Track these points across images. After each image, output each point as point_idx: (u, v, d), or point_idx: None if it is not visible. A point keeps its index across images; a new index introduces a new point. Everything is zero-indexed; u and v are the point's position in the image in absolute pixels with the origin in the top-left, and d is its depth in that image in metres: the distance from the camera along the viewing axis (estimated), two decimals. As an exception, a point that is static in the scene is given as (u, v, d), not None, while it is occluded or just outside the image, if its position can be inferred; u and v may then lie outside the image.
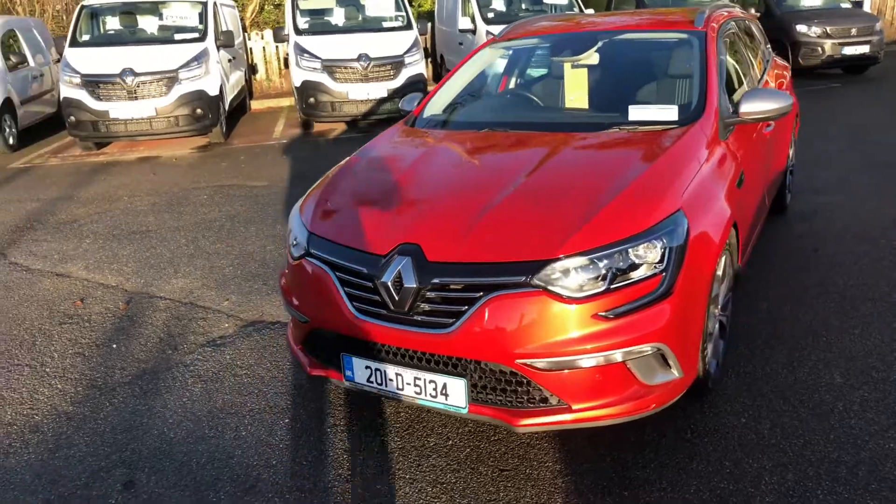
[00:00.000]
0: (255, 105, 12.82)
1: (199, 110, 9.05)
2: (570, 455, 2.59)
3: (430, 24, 13.99)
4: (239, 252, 5.12)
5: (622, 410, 2.42)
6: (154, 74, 8.86)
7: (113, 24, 10.37)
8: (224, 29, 10.38)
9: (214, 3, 10.28)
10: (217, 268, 4.83)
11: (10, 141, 9.74)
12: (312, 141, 9.52)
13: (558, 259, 2.34)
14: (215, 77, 9.34)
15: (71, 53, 9.19)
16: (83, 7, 9.92)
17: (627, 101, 3.39)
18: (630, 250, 2.39)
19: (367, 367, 2.60)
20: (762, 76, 4.23)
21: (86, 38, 9.64)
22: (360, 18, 10.90)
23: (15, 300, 4.46)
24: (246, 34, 13.88)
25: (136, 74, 8.80)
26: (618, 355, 2.35)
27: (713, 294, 2.70)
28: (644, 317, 2.37)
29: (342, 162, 3.40)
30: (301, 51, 9.81)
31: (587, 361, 2.34)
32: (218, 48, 9.75)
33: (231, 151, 9.07)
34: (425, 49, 12.95)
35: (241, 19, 14.21)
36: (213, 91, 9.22)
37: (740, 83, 3.87)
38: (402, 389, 2.54)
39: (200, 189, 7.13)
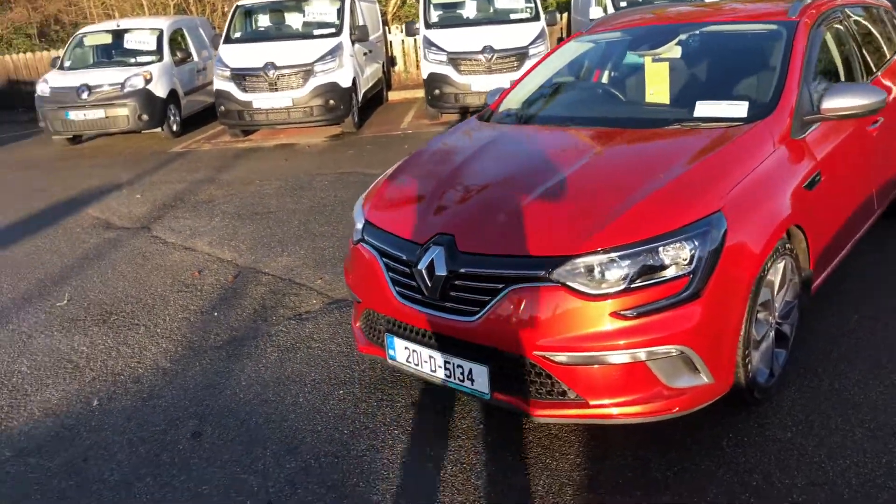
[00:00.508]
0: (392, 96, 13.36)
1: (331, 101, 9.62)
2: (594, 449, 2.61)
3: (566, 15, 13.86)
4: (342, 235, 5.47)
5: (643, 411, 2.41)
6: (292, 68, 9.54)
7: (263, 21, 11.26)
8: (360, 24, 10.92)
9: (352, 0, 10.85)
10: (319, 248, 5.20)
11: (174, 128, 10.88)
12: (436, 131, 9.82)
13: (579, 255, 2.37)
14: (348, 70, 9.87)
15: (224, 49, 10.10)
16: (237, 7, 10.84)
17: (703, 97, 3.28)
18: (660, 250, 2.36)
19: (405, 348, 2.76)
20: (878, 71, 3.88)
21: (237, 34, 10.53)
22: (489, 11, 11.03)
23: (147, 269, 5.07)
24: (387, 28, 14.46)
25: (276, 68, 9.52)
26: (639, 355, 2.35)
27: (759, 300, 2.59)
28: (668, 318, 2.34)
29: (410, 155, 3.57)
30: (429, 44, 10.12)
31: (606, 359, 2.35)
32: (353, 42, 10.29)
33: (360, 140, 9.58)
34: (560, 39, 12.84)
35: (383, 13, 14.84)
36: (345, 83, 9.76)
37: (848, 77, 3.60)
38: (435, 371, 2.68)
39: (323, 175, 7.63)
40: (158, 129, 10.70)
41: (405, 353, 2.77)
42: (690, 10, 4.03)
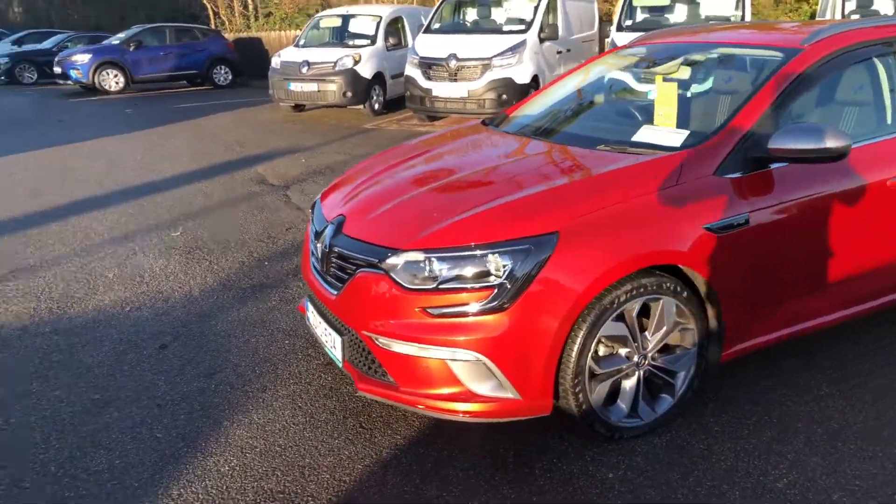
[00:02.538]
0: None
1: (504, 96, 9.98)
2: (440, 439, 2.76)
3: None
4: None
5: (447, 408, 2.54)
6: (472, 60, 10.06)
7: (470, 14, 11.92)
8: (552, 23, 11.04)
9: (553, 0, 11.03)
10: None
11: (376, 107, 12.06)
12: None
13: (405, 251, 2.55)
14: (527, 67, 10.13)
15: (420, 39, 10.95)
16: (444, 0, 11.63)
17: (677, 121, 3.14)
18: (476, 258, 2.45)
19: (311, 313, 3.14)
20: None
21: (437, 25, 11.32)
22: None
23: (257, 220, 5.97)
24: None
25: (458, 59, 10.11)
26: (440, 353, 2.48)
27: (604, 332, 2.53)
28: (469, 324, 2.43)
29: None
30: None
31: (412, 350, 2.52)
32: (542, 41, 10.51)
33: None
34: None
35: (608, 13, 14.69)
36: (522, 80, 10.05)
37: (867, 121, 3.16)
38: (321, 336, 3.02)
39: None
40: (360, 107, 11.96)
41: (311, 317, 3.15)
42: (710, 30, 3.74)
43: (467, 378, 2.49)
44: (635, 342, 2.65)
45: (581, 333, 2.50)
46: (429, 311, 2.48)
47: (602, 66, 4.03)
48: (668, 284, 2.62)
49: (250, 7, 23.88)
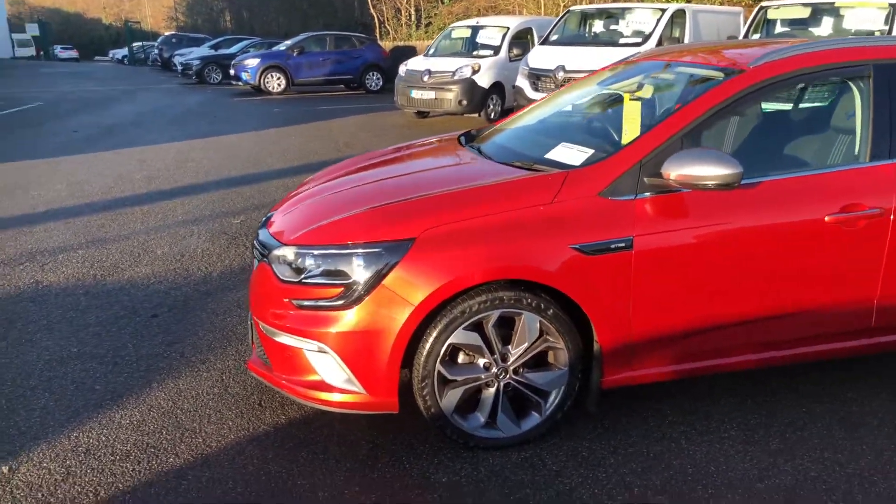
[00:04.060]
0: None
1: (608, 109, 9.77)
2: (318, 424, 2.94)
3: None
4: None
5: (307, 395, 2.71)
6: (578, 73, 9.93)
7: (598, 27, 11.75)
8: (682, 36, 10.60)
9: (681, 11, 10.60)
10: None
11: (492, 116, 12.27)
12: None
13: (283, 245, 2.76)
14: (636, 81, 9.82)
15: (535, 50, 11.00)
16: (568, 11, 11.56)
17: (579, 139, 3.11)
18: (337, 256, 2.61)
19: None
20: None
21: (555, 37, 11.29)
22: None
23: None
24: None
25: (565, 71, 10.05)
26: (297, 343, 2.66)
27: (455, 339, 2.57)
28: (321, 317, 2.60)
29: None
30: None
31: (278, 337, 2.72)
32: (658, 54, 10.14)
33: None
34: None
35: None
36: (629, 94, 9.77)
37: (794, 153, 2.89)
38: (257, 318, 3.32)
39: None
40: (476, 115, 12.22)
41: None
42: (689, 50, 3.53)
43: (321, 369, 2.65)
44: (493, 354, 2.65)
45: (429, 338, 2.57)
46: (293, 302, 2.67)
47: (587, 84, 3.95)
48: (529, 300, 2.60)
49: (413, 17, 25.06)
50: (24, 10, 69.82)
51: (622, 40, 10.55)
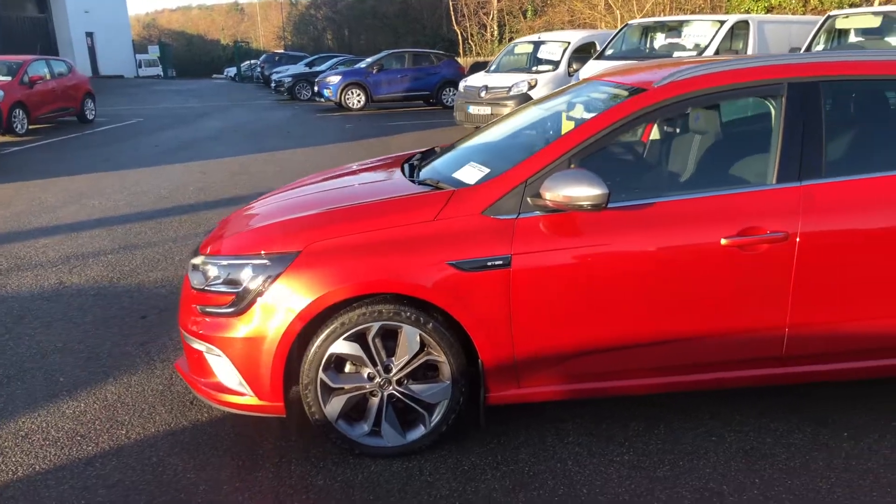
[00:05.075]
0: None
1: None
2: (235, 423, 3.15)
3: None
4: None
5: (210, 395, 2.92)
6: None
7: (659, 40, 11.51)
8: (743, 49, 10.21)
9: (744, 23, 10.23)
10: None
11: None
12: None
13: (197, 255, 2.99)
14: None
15: (589, 64, 10.90)
16: (626, 25, 11.39)
17: (484, 160, 3.18)
18: (233, 266, 2.80)
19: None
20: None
21: (610, 51, 11.14)
22: None
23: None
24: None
25: (613, 86, 9.90)
26: (198, 345, 2.88)
27: (337, 350, 2.70)
28: (216, 322, 2.80)
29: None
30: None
31: (188, 341, 2.95)
32: (714, 68, 9.82)
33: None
34: None
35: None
36: (680, 109, 9.50)
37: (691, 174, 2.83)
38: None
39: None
40: (533, 130, 12.22)
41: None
42: (625, 69, 3.49)
43: (219, 371, 2.86)
44: (375, 364, 2.76)
45: (312, 346, 2.72)
46: (199, 308, 2.89)
47: (538, 105, 3.98)
48: (409, 314, 2.69)
49: (495, 33, 25.30)
50: (154, 32, 75.81)
51: (677, 53, 10.29)
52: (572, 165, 2.74)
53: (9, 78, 13.74)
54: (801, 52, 9.65)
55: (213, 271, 2.87)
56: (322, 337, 2.71)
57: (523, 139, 3.64)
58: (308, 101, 23.67)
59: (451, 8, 25.52)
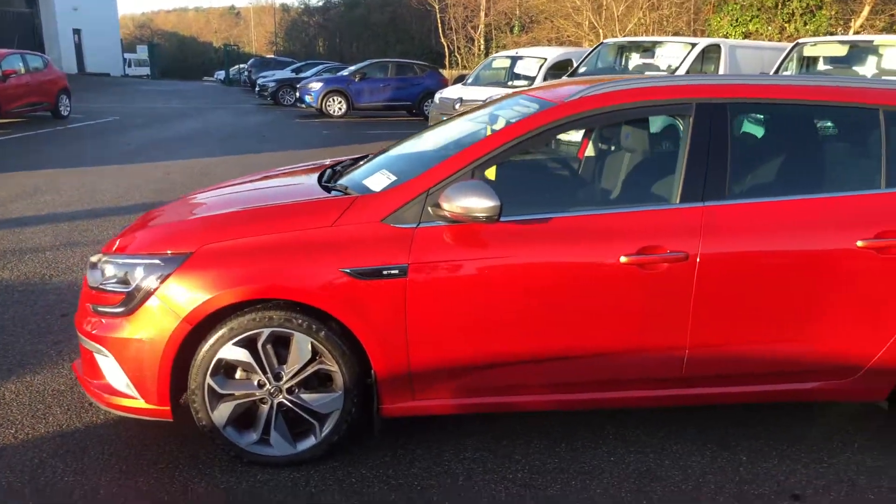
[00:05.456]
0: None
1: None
2: (135, 426, 3.08)
3: None
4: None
5: (99, 396, 2.85)
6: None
7: (634, 60, 11.58)
8: (713, 70, 10.28)
9: (716, 47, 10.32)
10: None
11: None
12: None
13: (97, 254, 2.92)
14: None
15: (563, 80, 10.92)
16: (601, 43, 11.46)
17: (393, 169, 3.15)
18: (127, 265, 2.74)
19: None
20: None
21: (583, 69, 11.19)
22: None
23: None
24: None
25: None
26: (89, 345, 2.81)
27: (223, 354, 2.64)
28: (106, 322, 2.73)
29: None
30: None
31: (81, 339, 2.88)
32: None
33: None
34: None
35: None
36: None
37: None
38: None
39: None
40: (505, 144, 12.24)
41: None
42: (545, 86, 3.48)
43: (107, 373, 2.79)
44: (265, 372, 2.70)
45: (200, 351, 2.66)
46: (91, 307, 2.82)
47: (463, 116, 3.96)
48: (300, 321, 2.64)
49: (482, 47, 25.41)
50: (146, 32, 75.52)
51: (650, 73, 10.35)
52: (475, 177, 2.72)
53: (-20, 70, 13.61)
54: (772, 74, 9.74)
55: (109, 270, 2.80)
56: (210, 341, 2.64)
57: (442, 149, 3.61)
58: (290, 106, 23.59)
59: (439, 21, 25.63)
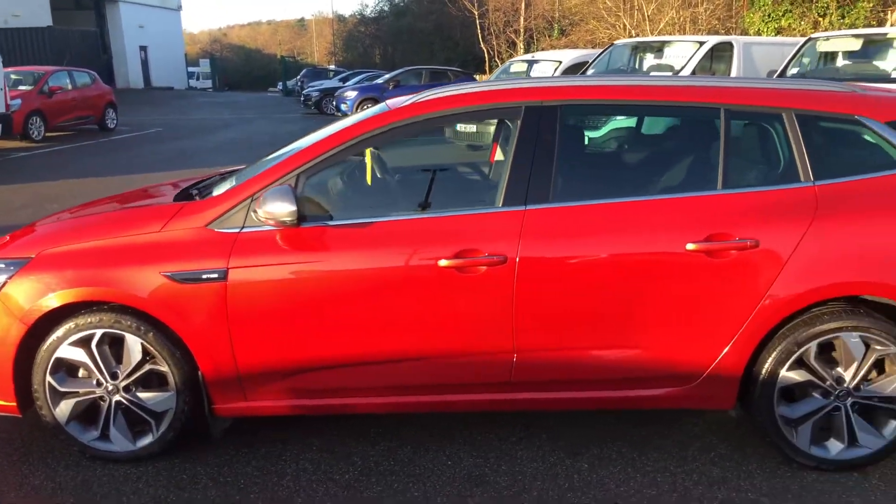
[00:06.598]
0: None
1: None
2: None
3: None
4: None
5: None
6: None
7: (647, 60, 11.34)
8: (727, 72, 9.97)
9: (727, 45, 10.02)
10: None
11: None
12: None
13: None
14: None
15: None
16: (612, 44, 11.27)
17: None
18: None
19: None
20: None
21: (591, 71, 11.02)
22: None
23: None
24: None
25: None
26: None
27: (59, 354, 2.78)
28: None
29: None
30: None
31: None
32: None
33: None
34: None
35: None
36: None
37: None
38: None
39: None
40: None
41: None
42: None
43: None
44: (101, 371, 2.82)
45: (40, 350, 2.81)
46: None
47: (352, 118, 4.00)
48: (129, 323, 2.76)
49: (522, 51, 25.31)
50: (216, 47, 78.61)
51: (657, 73, 10.12)
52: (299, 182, 2.78)
53: (30, 87, 14.51)
54: (776, 75, 9.37)
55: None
56: (49, 342, 2.79)
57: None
58: (331, 114, 24.12)
59: (479, 26, 25.70)
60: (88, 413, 2.90)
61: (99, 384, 2.85)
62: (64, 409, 2.87)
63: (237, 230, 2.75)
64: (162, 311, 2.73)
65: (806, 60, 9.63)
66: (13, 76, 14.95)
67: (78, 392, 2.87)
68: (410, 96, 2.98)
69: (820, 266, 2.63)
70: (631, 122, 3.30)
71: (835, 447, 2.77)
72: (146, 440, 2.89)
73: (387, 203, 3.12)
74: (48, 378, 2.83)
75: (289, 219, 2.60)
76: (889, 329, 2.65)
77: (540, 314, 2.71)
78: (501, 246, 2.67)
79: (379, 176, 3.38)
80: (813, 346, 2.68)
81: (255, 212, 2.73)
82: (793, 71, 9.18)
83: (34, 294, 2.76)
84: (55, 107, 14.94)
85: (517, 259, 2.66)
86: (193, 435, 2.95)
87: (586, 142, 3.09)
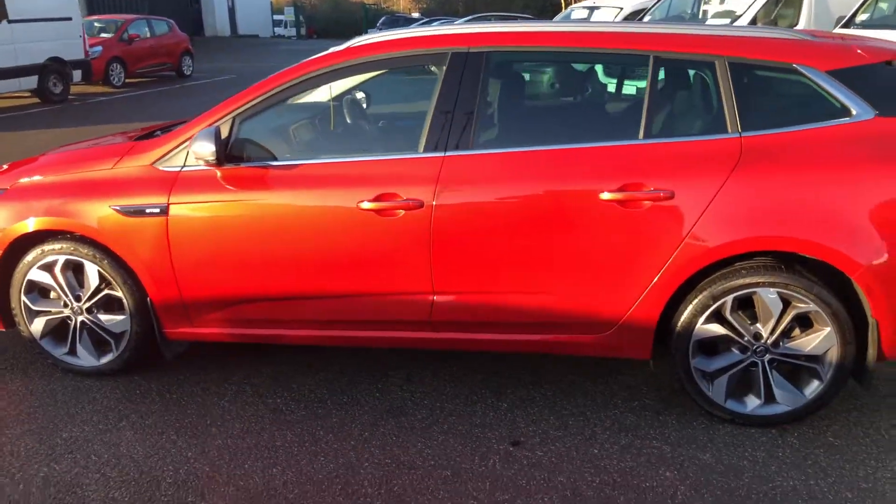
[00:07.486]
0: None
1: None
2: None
3: None
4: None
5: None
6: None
7: (712, 5, 10.78)
8: (796, 16, 9.35)
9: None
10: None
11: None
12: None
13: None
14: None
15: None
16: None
17: None
18: None
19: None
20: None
21: (648, 18, 10.56)
22: None
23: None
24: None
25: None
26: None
27: (28, 275, 3.10)
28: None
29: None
30: None
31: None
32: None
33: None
34: None
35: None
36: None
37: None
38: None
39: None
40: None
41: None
42: None
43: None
44: (65, 293, 3.12)
45: (15, 273, 3.13)
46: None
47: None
48: (85, 250, 3.03)
49: (600, -3, 24.33)
50: (309, -6, 79.43)
51: (715, 21, 9.62)
52: (234, 125, 2.93)
53: (110, 35, 15.29)
54: (843, 22, 8.71)
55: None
56: (22, 264, 3.11)
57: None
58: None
59: (554, -29, 24.83)
60: (59, 331, 3.23)
61: (66, 305, 3.16)
62: (38, 326, 3.21)
63: (178, 169, 2.95)
64: (112, 241, 2.98)
65: (884, 6, 8.90)
66: (96, 24, 15.79)
67: (50, 311, 3.19)
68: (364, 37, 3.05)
69: (736, 220, 2.57)
70: (583, 68, 3.26)
71: (751, 402, 2.75)
72: (108, 357, 3.20)
73: (330, 147, 3.22)
74: (23, 297, 3.16)
75: (211, 158, 2.76)
76: (809, 286, 2.58)
77: (456, 258, 2.78)
78: (419, 191, 2.74)
79: (349, 122, 3.50)
80: (729, 301, 2.64)
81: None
82: (862, 17, 8.51)
83: (8, 220, 3.07)
84: (134, 54, 15.69)
85: (433, 204, 2.73)
86: (158, 356, 3.23)
87: (516, 88, 3.08)
